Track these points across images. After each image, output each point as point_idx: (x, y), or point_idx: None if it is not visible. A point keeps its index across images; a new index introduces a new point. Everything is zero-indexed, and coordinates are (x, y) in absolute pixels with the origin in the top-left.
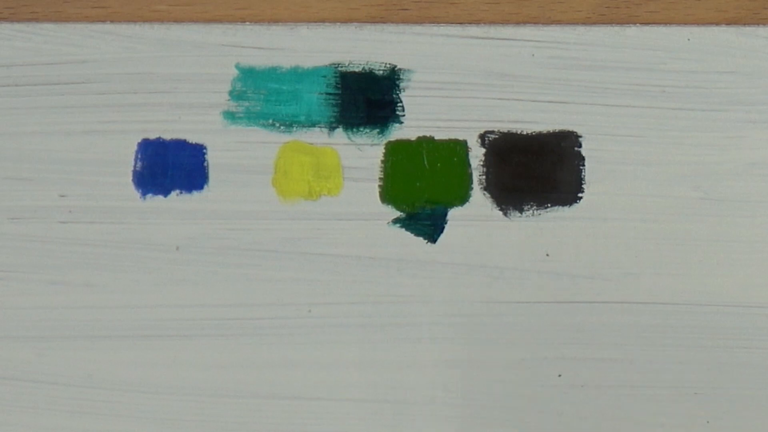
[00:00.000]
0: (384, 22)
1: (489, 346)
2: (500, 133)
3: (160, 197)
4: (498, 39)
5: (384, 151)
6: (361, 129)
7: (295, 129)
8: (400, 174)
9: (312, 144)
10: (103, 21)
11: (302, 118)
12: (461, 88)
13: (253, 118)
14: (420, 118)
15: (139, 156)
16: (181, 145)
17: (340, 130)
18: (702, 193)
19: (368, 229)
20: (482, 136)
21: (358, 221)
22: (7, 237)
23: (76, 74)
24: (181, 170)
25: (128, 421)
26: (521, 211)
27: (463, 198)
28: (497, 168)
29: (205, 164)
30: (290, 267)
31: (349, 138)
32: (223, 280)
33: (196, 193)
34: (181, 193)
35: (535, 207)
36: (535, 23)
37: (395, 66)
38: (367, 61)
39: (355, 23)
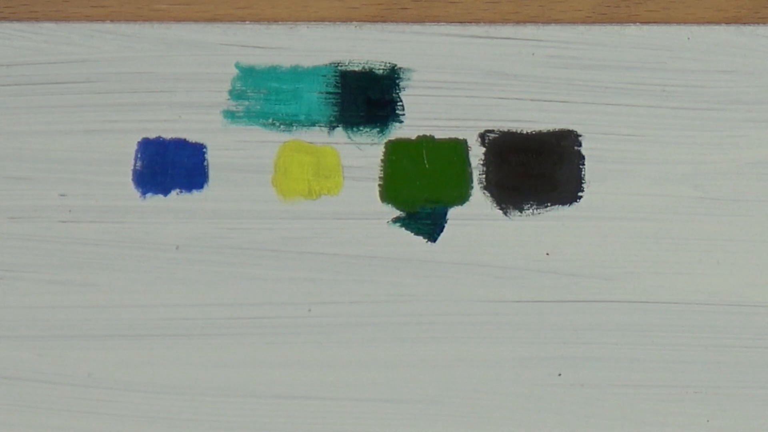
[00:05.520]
0: (384, 21)
1: (489, 345)
2: (500, 132)
3: (160, 196)
4: (498, 38)
5: (384, 150)
6: (361, 128)
7: (295, 128)
8: (400, 173)
9: (312, 143)
10: (103, 20)
11: (302, 117)
12: (461, 87)
13: (253, 117)
14: (420, 117)
15: (139, 155)
16: (181, 144)
17: (340, 130)
18: (702, 192)
19: (368, 229)
20: (482, 135)
21: (358, 220)
22: (7, 237)
23: (76, 74)
24: (181, 169)
25: (128, 421)
26: (521, 210)
27: (463, 197)
28: (497, 167)
29: (205, 163)
30: (290, 267)
31: (349, 137)
32: (223, 279)
33: (196, 193)
34: (181, 192)
35: (535, 206)
36: (535, 22)
37: (395, 65)
38: (367, 60)
39: (355, 22)
